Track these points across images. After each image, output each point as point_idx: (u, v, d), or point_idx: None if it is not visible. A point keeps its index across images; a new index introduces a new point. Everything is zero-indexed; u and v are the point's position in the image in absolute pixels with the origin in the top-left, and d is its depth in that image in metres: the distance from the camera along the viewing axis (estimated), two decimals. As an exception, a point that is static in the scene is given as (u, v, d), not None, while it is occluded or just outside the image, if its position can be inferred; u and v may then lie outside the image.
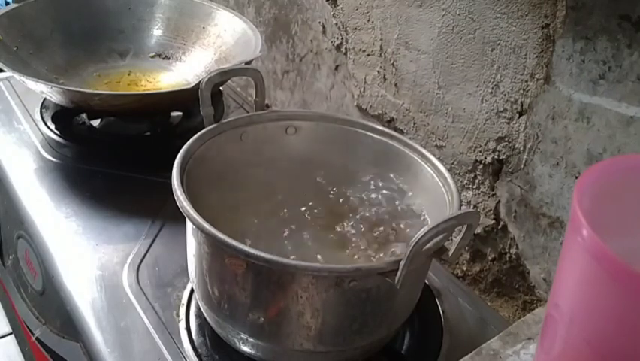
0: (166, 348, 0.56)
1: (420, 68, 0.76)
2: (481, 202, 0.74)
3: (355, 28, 0.85)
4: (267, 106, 1.11)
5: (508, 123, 0.67)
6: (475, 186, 0.74)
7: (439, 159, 0.58)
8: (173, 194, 0.50)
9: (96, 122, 0.90)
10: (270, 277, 0.46)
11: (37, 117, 0.89)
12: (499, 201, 0.72)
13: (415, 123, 0.80)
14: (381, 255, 0.55)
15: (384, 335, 0.53)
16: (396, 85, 0.81)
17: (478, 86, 0.69)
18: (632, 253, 0.32)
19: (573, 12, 0.57)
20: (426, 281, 0.62)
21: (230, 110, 0.96)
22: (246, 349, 0.53)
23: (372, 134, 0.62)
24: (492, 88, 0.67)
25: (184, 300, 0.61)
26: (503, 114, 0.67)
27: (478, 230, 0.74)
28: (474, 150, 0.72)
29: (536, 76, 0.62)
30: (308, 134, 0.63)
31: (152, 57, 1.01)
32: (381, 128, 0.62)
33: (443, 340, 0.60)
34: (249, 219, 0.56)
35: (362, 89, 0.87)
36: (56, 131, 0.86)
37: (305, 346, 0.49)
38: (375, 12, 0.80)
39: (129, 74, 0.97)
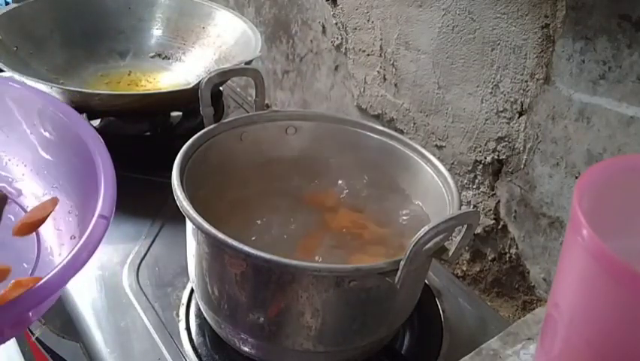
0: (166, 348, 0.56)
1: (420, 68, 0.76)
2: (481, 202, 0.74)
3: (355, 28, 0.85)
4: (267, 106, 1.11)
5: (508, 123, 0.67)
6: (475, 186, 0.74)
7: (439, 159, 0.58)
8: (173, 194, 0.50)
9: (96, 122, 0.89)
10: (270, 277, 0.46)
11: (37, 117, 0.89)
12: (499, 201, 0.72)
13: (415, 123, 0.80)
14: (381, 255, 0.55)
15: (384, 335, 0.53)
16: (396, 85, 0.81)
17: (478, 86, 0.69)
18: (632, 253, 0.32)
19: (573, 12, 0.57)
20: (426, 281, 0.62)
21: (231, 110, 0.96)
22: (246, 349, 0.53)
23: (372, 135, 0.62)
24: (492, 88, 0.67)
25: (184, 300, 0.61)
26: (503, 114, 0.67)
27: (478, 230, 0.74)
28: (474, 150, 0.72)
29: (536, 76, 0.62)
30: (308, 135, 0.63)
31: (152, 57, 1.01)
32: (381, 128, 0.62)
33: (443, 340, 0.60)
34: (249, 219, 0.56)
35: (362, 89, 0.87)
36: (56, 132, 0.86)
37: (305, 346, 0.49)
38: (375, 12, 0.80)
39: (129, 74, 0.97)
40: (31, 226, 0.43)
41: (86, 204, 0.39)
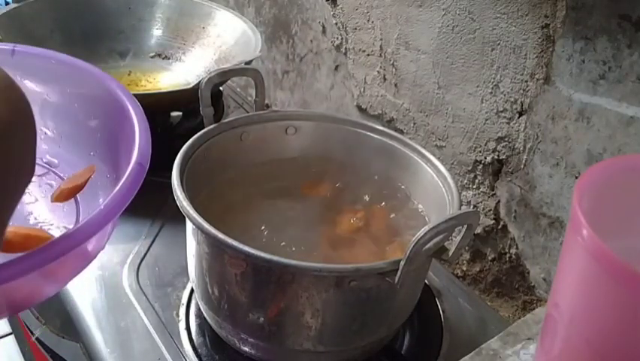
0: (166, 348, 0.56)
1: (420, 68, 0.76)
2: (481, 202, 0.74)
3: (355, 28, 0.85)
4: (267, 106, 1.11)
5: (508, 123, 0.67)
6: (475, 186, 0.74)
7: (439, 159, 0.58)
8: (173, 194, 0.50)
9: (96, 122, 0.89)
10: (270, 277, 0.46)
11: (37, 117, 0.89)
12: (499, 201, 0.72)
13: (415, 123, 0.80)
14: (381, 255, 0.55)
15: (384, 335, 0.53)
16: (396, 85, 0.81)
17: (478, 86, 0.69)
18: (632, 253, 0.32)
19: (573, 12, 0.57)
20: (426, 281, 0.62)
21: (231, 110, 0.96)
22: (246, 349, 0.53)
23: (372, 134, 0.62)
24: (492, 88, 0.67)
25: (184, 300, 0.61)
26: (503, 114, 0.67)
27: (478, 230, 0.74)
28: (474, 150, 0.72)
29: (536, 76, 0.62)
30: (308, 134, 0.63)
31: (152, 57, 1.01)
32: (381, 128, 0.62)
33: (443, 340, 0.60)
34: (249, 219, 0.56)
35: (362, 89, 0.87)
36: (56, 131, 0.86)
37: (305, 346, 0.49)
38: (375, 12, 0.80)
39: (129, 74, 0.97)
40: (70, 191, 0.43)
41: (122, 163, 0.40)
